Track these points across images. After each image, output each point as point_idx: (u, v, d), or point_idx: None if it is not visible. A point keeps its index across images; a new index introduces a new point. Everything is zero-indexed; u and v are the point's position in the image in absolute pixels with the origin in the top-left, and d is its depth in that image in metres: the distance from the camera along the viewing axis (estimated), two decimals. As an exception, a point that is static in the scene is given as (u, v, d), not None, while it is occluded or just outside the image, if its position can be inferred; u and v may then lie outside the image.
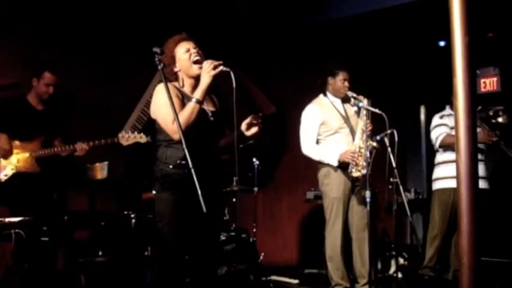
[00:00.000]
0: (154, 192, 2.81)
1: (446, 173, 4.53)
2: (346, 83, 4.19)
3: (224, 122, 2.95)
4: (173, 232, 2.72)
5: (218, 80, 2.76)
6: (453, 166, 4.65)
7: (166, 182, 2.73)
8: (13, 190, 3.92)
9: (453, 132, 4.45)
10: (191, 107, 2.67)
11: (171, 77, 2.87)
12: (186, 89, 2.85)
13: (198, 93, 2.69)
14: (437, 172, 4.67)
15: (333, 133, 4.14)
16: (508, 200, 5.24)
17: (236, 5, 5.68)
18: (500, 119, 4.35)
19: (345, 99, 4.21)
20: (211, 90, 2.91)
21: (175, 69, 2.84)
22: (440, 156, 4.65)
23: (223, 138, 2.98)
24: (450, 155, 4.51)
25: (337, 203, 4.09)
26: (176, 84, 2.86)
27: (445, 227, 4.51)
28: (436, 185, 4.65)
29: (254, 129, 2.86)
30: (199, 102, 2.68)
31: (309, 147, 4.19)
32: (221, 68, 2.69)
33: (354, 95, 4.06)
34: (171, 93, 2.63)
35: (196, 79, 2.80)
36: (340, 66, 4.29)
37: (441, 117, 4.66)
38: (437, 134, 4.59)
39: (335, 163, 4.06)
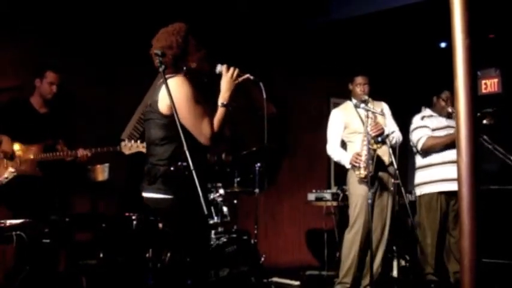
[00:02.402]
0: (159, 195, 2.69)
1: (430, 177, 4.44)
2: (362, 88, 4.35)
3: None
4: (190, 234, 2.67)
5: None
6: (436, 169, 4.66)
7: (169, 183, 2.62)
8: (14, 192, 3.92)
9: (435, 134, 4.47)
10: (222, 113, 2.65)
11: (169, 69, 2.67)
12: None
13: (225, 99, 2.67)
14: (420, 177, 4.55)
15: (358, 133, 4.27)
16: (508, 200, 5.23)
17: (236, 5, 5.69)
18: (484, 121, 4.34)
19: (368, 103, 4.28)
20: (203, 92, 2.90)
21: (181, 62, 2.70)
22: (421, 160, 4.55)
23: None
24: (432, 158, 4.44)
25: (361, 201, 4.18)
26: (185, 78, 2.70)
27: (437, 233, 4.42)
28: (422, 190, 4.52)
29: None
30: (227, 106, 2.67)
31: (330, 149, 4.45)
32: (247, 76, 2.70)
33: (365, 97, 4.21)
34: (194, 92, 2.58)
35: (194, 75, 2.73)
36: (356, 71, 4.43)
37: (422, 118, 4.58)
38: (419, 137, 4.49)
39: (348, 165, 4.25)
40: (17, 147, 4.00)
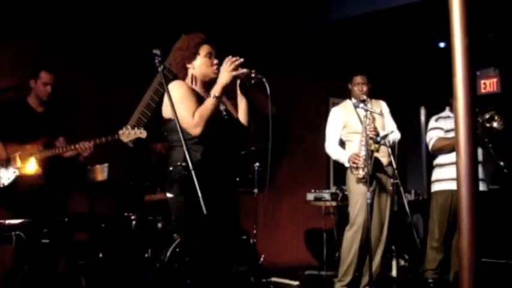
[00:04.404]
0: (170, 195, 2.73)
1: (445, 175, 4.51)
2: (361, 87, 4.35)
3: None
4: (200, 236, 2.65)
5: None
6: (451, 168, 4.67)
7: (174, 183, 2.66)
8: (14, 192, 3.92)
9: (449, 135, 4.48)
10: (209, 102, 2.64)
11: (179, 70, 2.84)
12: (197, 89, 2.82)
13: (217, 90, 2.66)
14: (436, 174, 4.65)
15: (356, 134, 4.27)
16: (508, 200, 5.24)
17: (236, 5, 5.69)
18: (495, 124, 4.33)
19: (367, 103, 4.28)
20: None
21: (188, 65, 2.81)
22: (438, 158, 4.64)
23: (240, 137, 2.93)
24: (447, 157, 4.50)
25: (361, 199, 4.16)
26: (188, 82, 2.82)
27: (445, 229, 4.49)
28: (435, 187, 4.63)
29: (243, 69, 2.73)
30: (217, 98, 2.66)
31: (328, 146, 4.44)
32: (246, 70, 2.69)
33: (364, 97, 4.20)
34: (187, 91, 2.66)
35: (209, 83, 2.81)
36: (355, 71, 4.43)
37: (437, 119, 4.65)
38: (430, 138, 4.60)
39: (347, 164, 4.24)
40: (16, 147, 3.99)
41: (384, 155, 4.20)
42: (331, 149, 4.41)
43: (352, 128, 4.33)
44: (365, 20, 5.77)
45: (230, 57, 2.71)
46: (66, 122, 4.36)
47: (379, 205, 4.22)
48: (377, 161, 4.14)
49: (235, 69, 2.67)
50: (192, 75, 2.82)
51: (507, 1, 4.96)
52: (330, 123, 4.50)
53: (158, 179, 4.55)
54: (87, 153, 4.02)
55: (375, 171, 4.13)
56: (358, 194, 4.21)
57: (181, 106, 2.62)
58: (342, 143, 4.46)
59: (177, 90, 2.67)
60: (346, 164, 4.26)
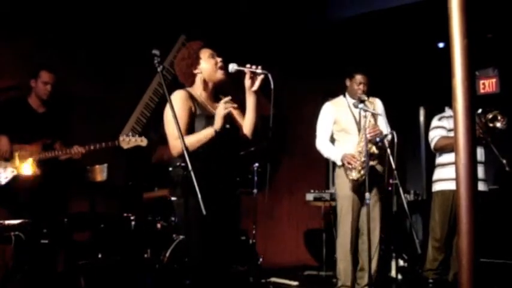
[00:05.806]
0: (174, 198, 2.82)
1: (447, 175, 4.51)
2: (362, 87, 4.29)
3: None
4: (201, 236, 2.68)
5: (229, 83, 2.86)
6: (452, 168, 4.65)
7: (185, 187, 2.65)
8: (13, 193, 3.92)
9: (451, 134, 4.48)
10: (207, 134, 2.69)
11: (186, 79, 2.88)
12: (204, 94, 2.86)
13: (217, 125, 2.69)
14: (438, 174, 4.65)
15: (346, 133, 4.24)
16: (508, 201, 5.24)
17: (236, 5, 5.69)
18: (498, 124, 4.33)
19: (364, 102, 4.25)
20: (221, 92, 2.94)
21: (195, 71, 2.85)
22: (440, 158, 4.64)
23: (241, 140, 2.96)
24: (450, 157, 4.50)
25: (347, 202, 4.15)
26: (192, 90, 2.85)
27: (446, 229, 4.49)
28: (436, 187, 4.62)
29: (258, 82, 2.83)
30: (217, 132, 2.69)
31: (319, 143, 4.38)
32: (229, 109, 2.72)
33: (365, 98, 4.11)
34: (184, 105, 2.69)
35: (216, 84, 2.87)
36: (358, 69, 4.38)
37: (440, 119, 4.65)
38: (432, 137, 4.59)
39: (339, 162, 4.19)
40: (16, 147, 4.00)
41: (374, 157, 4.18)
42: (322, 145, 4.36)
43: (342, 126, 4.29)
44: (365, 19, 5.77)
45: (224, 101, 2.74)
46: (66, 124, 4.37)
47: (371, 204, 4.14)
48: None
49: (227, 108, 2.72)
50: (201, 79, 2.86)
51: (507, 1, 4.96)
52: (320, 119, 4.46)
53: (157, 179, 4.56)
54: (78, 156, 4.06)
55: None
56: (342, 198, 4.20)
57: (172, 125, 2.61)
58: (332, 141, 4.40)
59: (174, 104, 2.69)
60: (338, 163, 4.20)
